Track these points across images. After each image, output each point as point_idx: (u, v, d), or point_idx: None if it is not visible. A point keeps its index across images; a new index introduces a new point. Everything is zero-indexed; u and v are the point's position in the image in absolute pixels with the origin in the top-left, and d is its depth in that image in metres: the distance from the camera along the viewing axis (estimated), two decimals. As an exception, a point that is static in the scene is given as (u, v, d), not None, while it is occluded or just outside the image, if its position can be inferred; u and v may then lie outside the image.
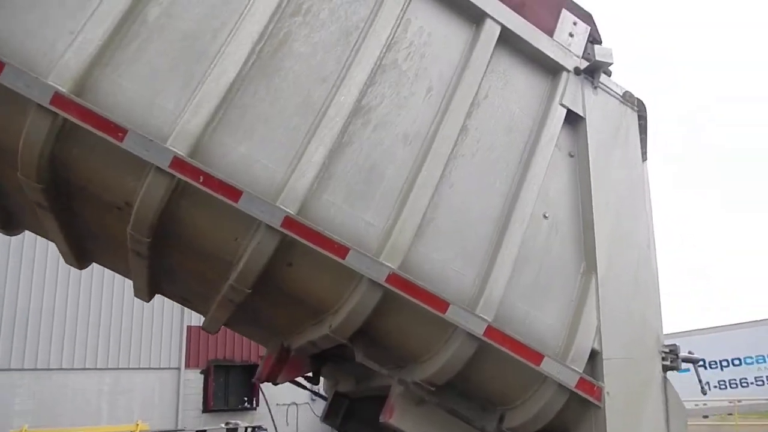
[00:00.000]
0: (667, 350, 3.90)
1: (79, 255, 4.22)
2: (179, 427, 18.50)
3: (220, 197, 3.09)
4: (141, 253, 3.54)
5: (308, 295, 3.59)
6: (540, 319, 3.65)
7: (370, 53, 3.54)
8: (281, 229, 3.17)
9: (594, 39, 4.21)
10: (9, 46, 2.90)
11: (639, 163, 4.10)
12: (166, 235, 3.36)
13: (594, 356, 3.66)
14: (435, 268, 3.49)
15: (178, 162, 3.03)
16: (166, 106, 3.11)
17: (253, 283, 3.39)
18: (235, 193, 3.11)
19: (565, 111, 3.97)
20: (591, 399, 3.56)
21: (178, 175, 3.04)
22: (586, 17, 4.23)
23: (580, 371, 3.57)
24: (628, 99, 4.20)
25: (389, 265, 3.31)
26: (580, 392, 3.55)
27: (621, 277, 3.84)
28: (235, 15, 3.29)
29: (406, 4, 3.66)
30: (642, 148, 4.18)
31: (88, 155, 3.09)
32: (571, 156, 4.01)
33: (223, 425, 18.25)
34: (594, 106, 4.06)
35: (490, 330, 3.43)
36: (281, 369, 4.33)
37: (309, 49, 3.48)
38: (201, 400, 19.31)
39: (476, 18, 3.84)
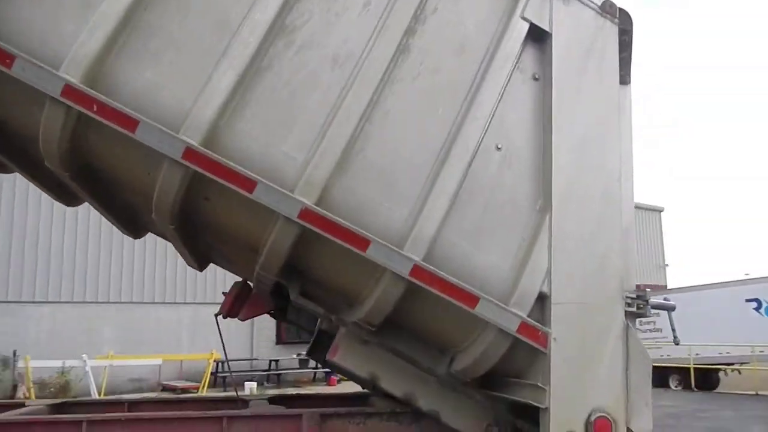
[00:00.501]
0: (633, 296, 3.46)
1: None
2: (254, 356, 19.46)
3: (116, 126, 2.95)
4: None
5: (235, 230, 3.43)
6: (483, 259, 3.30)
7: None
8: (182, 161, 2.99)
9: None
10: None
11: (614, 86, 3.54)
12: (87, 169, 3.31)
13: (543, 300, 3.29)
14: (362, 204, 3.21)
15: (69, 90, 2.89)
16: (64, 29, 2.96)
17: (172, 217, 3.26)
18: (131, 122, 2.95)
19: (527, 26, 3.48)
20: (535, 345, 3.22)
21: (70, 104, 2.91)
22: None
23: (523, 315, 3.23)
24: (608, 10, 3.60)
25: (301, 199, 3.07)
26: (522, 337, 3.21)
27: (580, 214, 3.39)
28: None
29: None
30: (623, 68, 3.60)
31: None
32: (536, 79, 3.53)
33: (294, 356, 19.03)
34: (564, 19, 3.52)
35: (417, 270, 3.14)
36: (242, 306, 4.26)
37: None
38: (274, 333, 20.15)
39: None
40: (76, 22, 2.95)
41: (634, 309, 3.39)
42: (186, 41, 3.11)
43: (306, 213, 3.07)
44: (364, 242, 3.12)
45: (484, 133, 3.35)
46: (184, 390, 16.30)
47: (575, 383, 3.23)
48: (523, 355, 3.31)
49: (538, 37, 3.52)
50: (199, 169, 3.00)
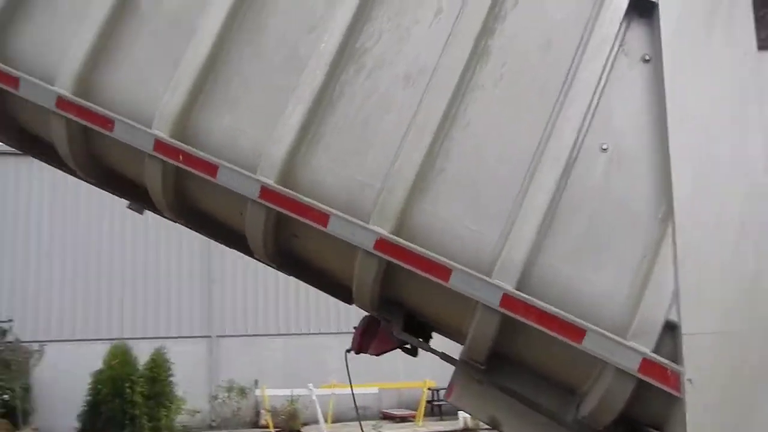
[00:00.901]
0: None
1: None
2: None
3: (200, 173, 3.07)
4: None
5: (327, 265, 3.36)
6: (592, 283, 2.78)
7: None
8: (260, 201, 3.01)
9: None
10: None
11: (751, 54, 2.80)
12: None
13: (672, 330, 2.66)
14: (446, 228, 2.93)
15: (159, 144, 3.09)
16: (152, 88, 3.18)
17: (267, 256, 3.30)
18: (212, 168, 3.05)
19: (626, 1, 2.93)
20: (665, 388, 2.60)
21: (162, 157, 3.10)
22: None
23: (646, 350, 2.63)
24: None
25: (375, 229, 2.88)
26: (645, 377, 2.61)
27: (715, 218, 2.69)
28: None
29: None
30: (762, 30, 2.84)
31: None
32: (647, 61, 2.93)
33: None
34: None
35: (507, 299, 2.74)
36: (371, 341, 4.14)
37: None
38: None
39: None
40: (162, 81, 3.16)
41: None
42: (260, 82, 3.15)
43: (381, 243, 2.88)
44: (445, 271, 2.82)
45: (584, 134, 2.87)
46: (403, 418, 16.62)
47: None
48: (657, 399, 2.70)
49: (644, 9, 2.95)
50: (276, 207, 3.00)
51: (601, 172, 2.87)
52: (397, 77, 3.06)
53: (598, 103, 2.90)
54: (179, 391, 14.48)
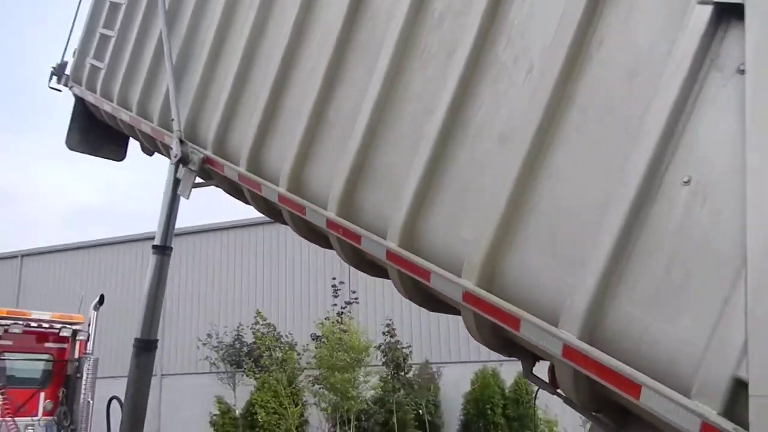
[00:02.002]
0: None
1: None
2: None
3: None
4: None
5: None
6: (666, 333, 2.50)
7: (456, 69, 3.45)
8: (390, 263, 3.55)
9: None
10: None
11: None
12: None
13: (742, 390, 2.21)
14: (529, 277, 3.01)
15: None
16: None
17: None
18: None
19: (709, 8, 2.57)
20: None
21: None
22: None
23: (707, 412, 2.26)
24: None
25: (462, 283, 3.15)
26: None
27: None
28: None
29: None
30: None
31: None
32: (742, 72, 2.50)
33: None
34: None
35: (567, 350, 2.69)
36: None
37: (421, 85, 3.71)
38: None
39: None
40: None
41: None
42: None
43: (466, 296, 3.14)
44: (515, 321, 2.93)
45: (663, 167, 2.63)
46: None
47: None
48: None
49: (734, 15, 2.55)
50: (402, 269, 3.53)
51: (681, 208, 2.59)
52: (494, 140, 3.29)
53: (682, 128, 2.63)
54: (551, 414, 14.84)
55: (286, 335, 17.00)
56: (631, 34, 2.89)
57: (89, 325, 10.53)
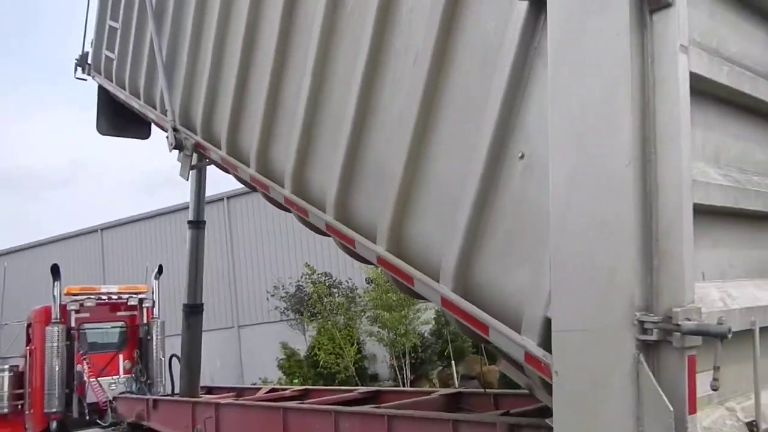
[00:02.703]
0: (653, 319, 2.38)
1: None
2: None
3: None
4: None
5: None
6: (508, 282, 3.08)
7: (361, 55, 3.96)
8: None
9: None
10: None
11: (622, 41, 2.50)
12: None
13: (550, 326, 2.77)
14: (422, 241, 3.61)
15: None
16: None
17: None
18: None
19: (525, 2, 2.99)
20: (544, 377, 2.78)
21: None
22: None
23: (527, 344, 2.85)
24: None
25: (376, 249, 3.79)
26: (530, 368, 2.84)
27: (580, 221, 2.62)
28: None
29: None
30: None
31: None
32: None
33: None
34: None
35: (444, 301, 3.30)
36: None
37: None
38: None
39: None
40: None
41: (652, 337, 2.39)
42: None
43: (379, 260, 3.79)
44: (410, 279, 3.55)
45: (496, 141, 3.14)
46: None
47: (579, 427, 2.61)
48: None
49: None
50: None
51: (518, 179, 3.11)
52: (394, 122, 3.85)
53: (517, 110, 3.11)
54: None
55: (346, 281, 18.07)
56: (481, 24, 3.34)
57: (152, 292, 11.83)
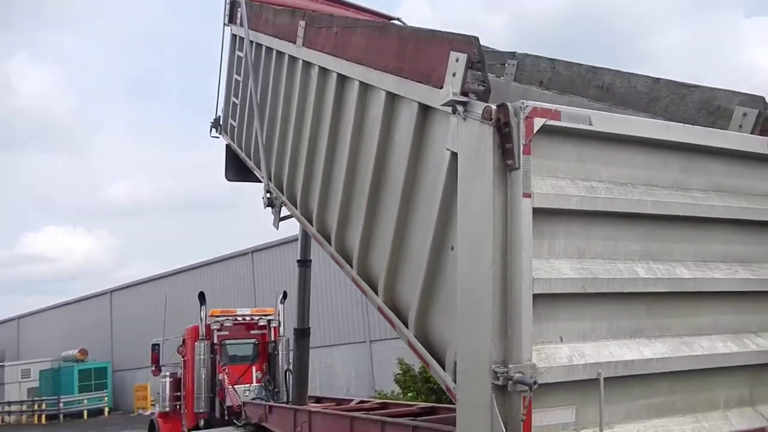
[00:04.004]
0: (501, 370, 3.67)
1: None
2: None
3: None
4: None
5: None
6: (442, 334, 4.55)
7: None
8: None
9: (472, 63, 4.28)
10: None
11: (494, 188, 3.88)
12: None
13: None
14: (404, 301, 5.14)
15: None
16: None
17: None
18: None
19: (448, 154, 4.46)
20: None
21: None
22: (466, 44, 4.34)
23: (449, 378, 4.30)
24: (485, 116, 3.95)
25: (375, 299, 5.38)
26: (449, 395, 4.26)
27: (467, 301, 4.05)
28: None
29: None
30: (509, 158, 3.85)
31: None
32: None
33: None
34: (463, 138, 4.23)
35: (409, 343, 4.81)
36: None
37: None
38: None
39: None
40: None
41: (499, 382, 3.70)
42: None
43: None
44: (392, 323, 5.10)
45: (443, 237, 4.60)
46: None
47: None
48: None
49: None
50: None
51: (452, 266, 4.53)
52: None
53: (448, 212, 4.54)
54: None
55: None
56: (430, 168, 4.81)
57: (278, 314, 14.07)
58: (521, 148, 3.85)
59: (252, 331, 14.01)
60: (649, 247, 4.42)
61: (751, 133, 5.24)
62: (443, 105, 4.38)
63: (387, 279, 5.34)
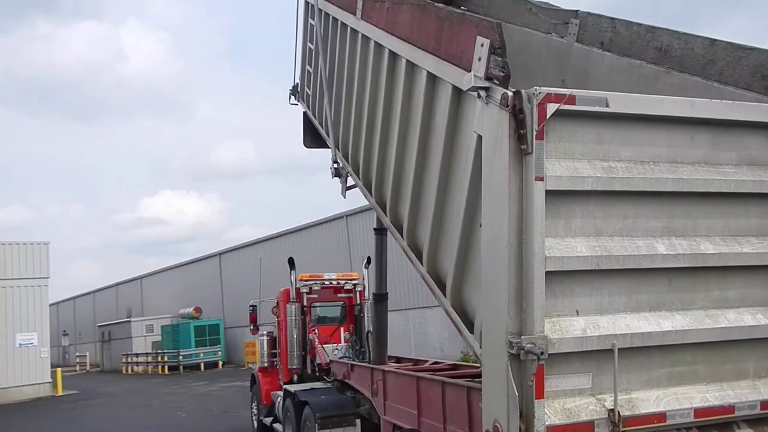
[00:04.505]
0: (515, 340, 4.00)
1: None
2: None
3: None
4: None
5: None
6: (472, 305, 4.93)
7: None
8: None
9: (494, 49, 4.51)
10: None
11: (510, 171, 4.16)
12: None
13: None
14: (443, 270, 5.55)
15: None
16: None
17: None
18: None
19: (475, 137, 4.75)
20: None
21: None
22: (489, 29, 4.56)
23: (477, 345, 4.69)
24: (503, 102, 4.20)
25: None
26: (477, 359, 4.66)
27: (488, 278, 4.39)
28: None
29: None
30: (521, 143, 4.10)
31: None
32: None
33: None
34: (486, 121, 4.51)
35: (446, 312, 5.24)
36: None
37: None
38: None
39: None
40: None
41: (513, 351, 4.05)
42: None
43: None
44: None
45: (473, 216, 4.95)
46: None
47: (489, 395, 4.42)
48: None
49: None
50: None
51: (478, 240, 4.88)
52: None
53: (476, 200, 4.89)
54: None
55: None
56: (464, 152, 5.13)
57: (363, 278, 14.80)
58: (534, 133, 4.11)
59: (339, 295, 14.85)
60: (672, 223, 4.56)
61: (805, 100, 5.15)
62: (468, 90, 4.66)
63: (429, 250, 5.76)
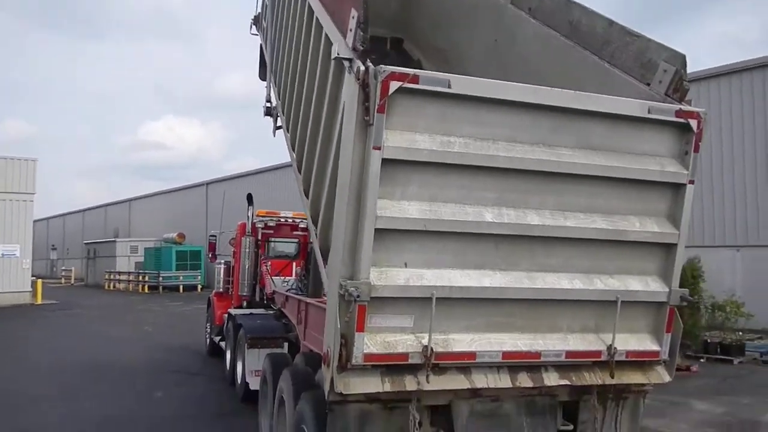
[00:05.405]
0: (345, 284, 4.71)
1: None
2: None
3: None
4: None
5: None
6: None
7: None
8: None
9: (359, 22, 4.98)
10: None
11: (356, 138, 4.72)
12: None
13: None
14: None
15: None
16: None
17: None
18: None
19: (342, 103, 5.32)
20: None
21: None
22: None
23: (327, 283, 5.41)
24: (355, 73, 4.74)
25: None
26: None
27: (336, 229, 5.05)
28: None
29: None
30: (366, 114, 4.64)
31: None
32: None
33: None
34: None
35: None
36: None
37: None
38: None
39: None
40: None
41: (342, 292, 4.76)
42: None
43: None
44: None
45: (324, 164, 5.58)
46: None
47: (329, 324, 5.15)
48: None
49: None
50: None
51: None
52: None
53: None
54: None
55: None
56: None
57: (318, 219, 15.53)
58: (376, 107, 4.70)
59: (295, 232, 15.64)
60: (505, 196, 5.19)
61: (666, 90, 5.69)
62: (333, 59, 5.22)
63: (313, 193, 6.48)
